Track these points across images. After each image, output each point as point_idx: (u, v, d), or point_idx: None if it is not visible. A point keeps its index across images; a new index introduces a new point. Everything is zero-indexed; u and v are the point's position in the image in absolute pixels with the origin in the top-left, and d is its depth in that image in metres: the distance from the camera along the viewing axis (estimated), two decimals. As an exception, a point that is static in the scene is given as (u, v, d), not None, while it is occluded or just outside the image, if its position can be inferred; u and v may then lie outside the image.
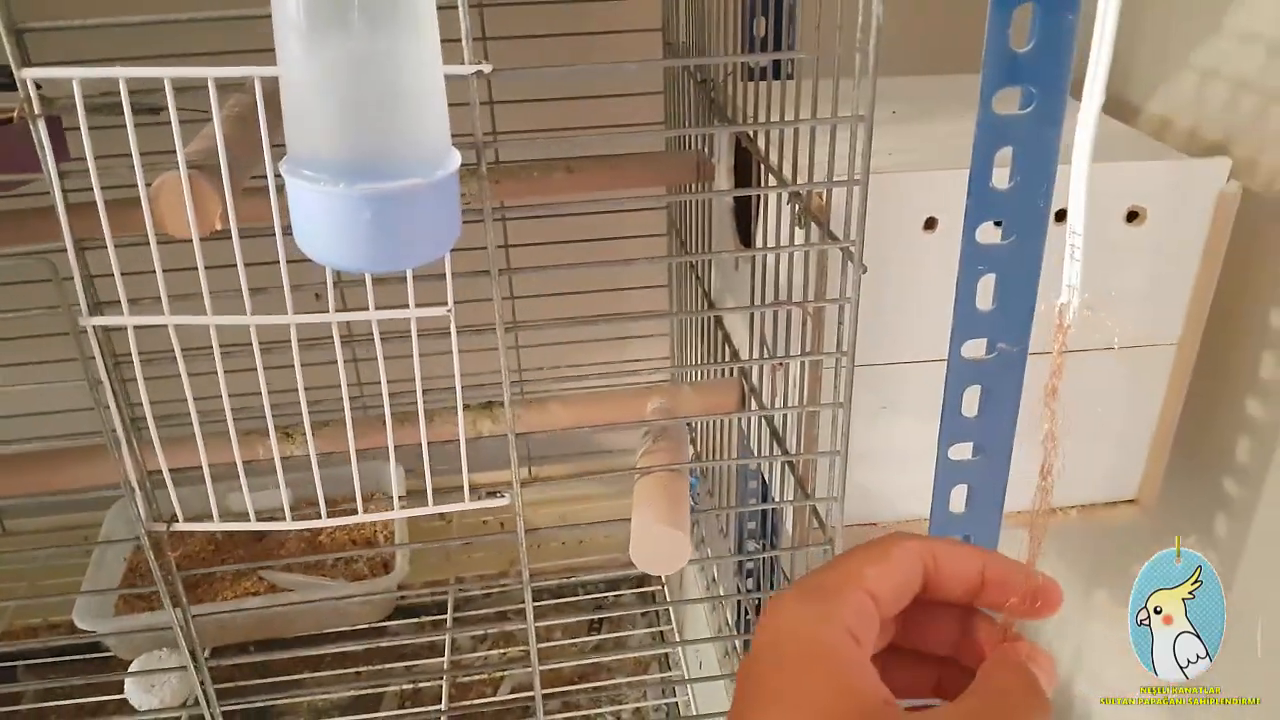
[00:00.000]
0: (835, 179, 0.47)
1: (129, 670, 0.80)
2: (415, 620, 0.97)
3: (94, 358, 0.43)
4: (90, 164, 0.38)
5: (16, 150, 0.77)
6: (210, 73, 0.37)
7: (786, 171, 0.53)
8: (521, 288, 0.95)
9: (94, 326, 0.41)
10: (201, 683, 0.56)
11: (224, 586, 0.96)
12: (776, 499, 0.62)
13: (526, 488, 1.03)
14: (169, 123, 0.38)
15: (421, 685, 0.98)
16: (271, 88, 0.36)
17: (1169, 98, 0.68)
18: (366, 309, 0.42)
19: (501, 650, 1.07)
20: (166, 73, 0.37)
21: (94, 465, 0.55)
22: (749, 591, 0.84)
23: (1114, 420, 0.62)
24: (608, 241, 0.91)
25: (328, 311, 0.42)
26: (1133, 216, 0.55)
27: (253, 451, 0.51)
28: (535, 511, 1.04)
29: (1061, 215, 0.54)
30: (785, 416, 0.59)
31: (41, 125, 0.37)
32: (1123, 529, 0.79)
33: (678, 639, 1.01)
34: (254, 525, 0.47)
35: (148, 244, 0.40)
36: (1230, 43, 0.62)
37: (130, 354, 0.42)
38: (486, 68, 0.38)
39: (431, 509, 0.48)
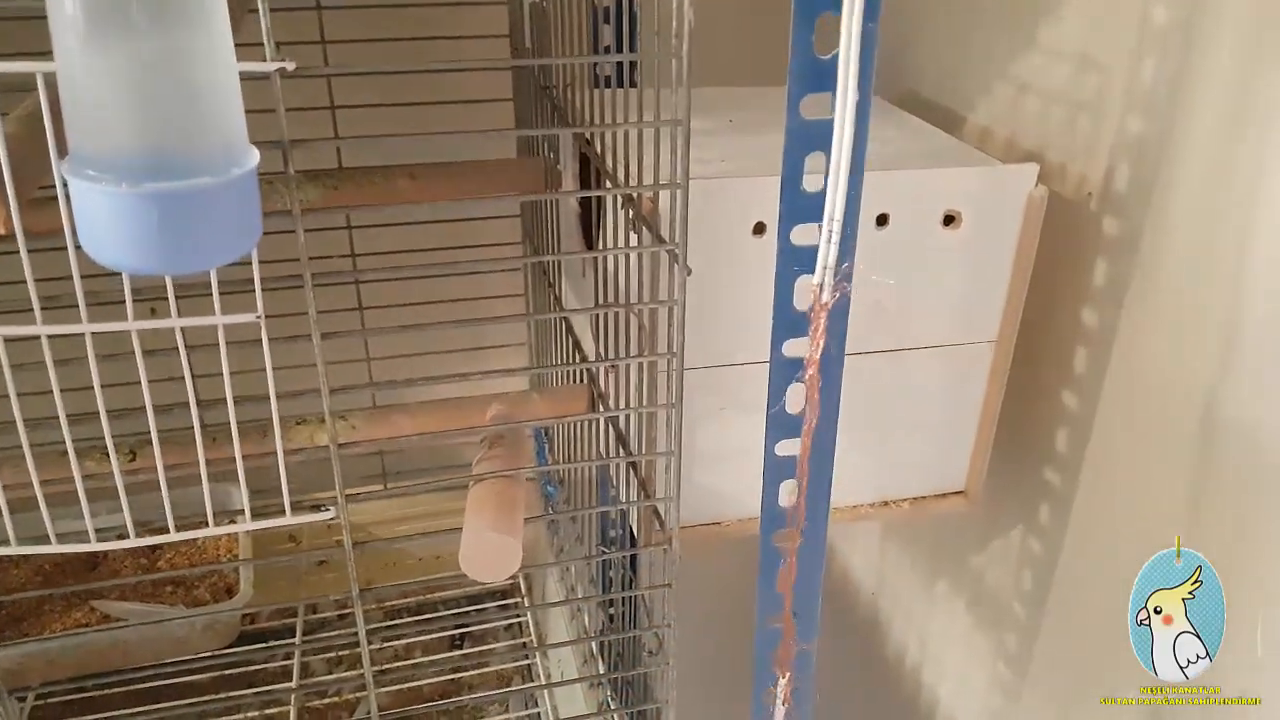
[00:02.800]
0: (659, 183, 0.47)
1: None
2: (264, 646, 0.94)
3: None
4: None
5: None
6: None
7: (624, 178, 0.53)
8: (375, 298, 0.93)
9: None
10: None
11: (53, 619, 0.90)
12: (622, 502, 0.62)
13: (378, 503, 1.01)
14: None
15: (271, 712, 0.94)
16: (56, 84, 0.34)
17: (990, 109, 0.71)
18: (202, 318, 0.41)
19: (359, 671, 1.03)
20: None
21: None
22: (605, 594, 0.84)
23: (938, 416, 0.65)
24: (462, 250, 0.90)
25: (128, 320, 0.40)
26: (950, 220, 0.58)
27: (66, 471, 0.47)
28: (391, 529, 1.01)
29: (883, 220, 0.57)
30: (629, 420, 0.60)
31: None
32: (956, 520, 0.82)
33: (536, 645, 1.00)
34: (56, 548, 0.44)
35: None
36: (1042, 57, 0.66)
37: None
38: (289, 64, 0.37)
39: (250, 525, 0.46)
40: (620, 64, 0.81)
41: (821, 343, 0.37)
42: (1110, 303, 0.61)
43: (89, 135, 0.33)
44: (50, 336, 0.40)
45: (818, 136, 0.40)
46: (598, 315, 0.63)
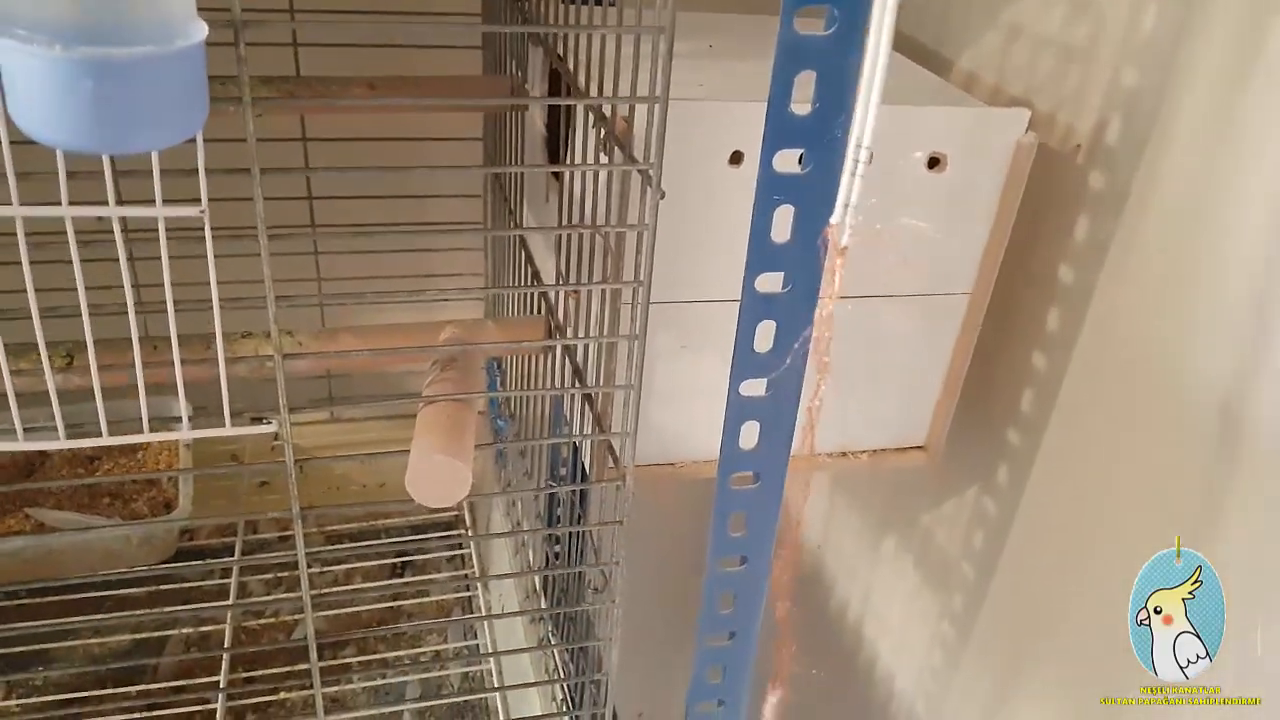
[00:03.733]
0: (636, 96, 0.45)
1: None
2: (201, 563, 0.91)
3: None
4: None
5: None
6: None
7: (598, 93, 0.51)
8: (329, 216, 0.89)
9: None
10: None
11: (-28, 523, 0.87)
12: (576, 434, 0.60)
13: (324, 429, 0.98)
14: None
15: (206, 630, 0.92)
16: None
17: (977, 54, 0.69)
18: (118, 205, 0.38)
19: (297, 594, 1.02)
20: None
21: None
22: (552, 528, 0.82)
23: (904, 368, 0.63)
24: (421, 171, 0.87)
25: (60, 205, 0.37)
26: (934, 163, 0.56)
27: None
28: (338, 458, 0.99)
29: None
30: (586, 351, 0.58)
31: None
32: (911, 479, 0.82)
33: (478, 576, 0.99)
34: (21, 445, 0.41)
35: None
36: (1033, 1, 0.64)
37: None
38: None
39: (188, 434, 0.44)
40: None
41: (837, 289, 0.35)
42: (1089, 262, 0.60)
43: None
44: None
45: (811, 53, 0.38)
46: (560, 241, 0.60)
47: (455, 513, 1.04)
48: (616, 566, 0.55)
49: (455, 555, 1.07)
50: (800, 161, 0.41)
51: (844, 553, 0.95)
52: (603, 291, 0.53)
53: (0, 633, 0.50)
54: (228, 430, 0.44)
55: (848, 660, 0.94)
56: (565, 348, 0.60)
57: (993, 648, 0.74)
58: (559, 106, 0.63)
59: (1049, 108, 0.62)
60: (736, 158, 0.52)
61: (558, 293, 0.62)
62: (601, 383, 0.54)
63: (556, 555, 0.86)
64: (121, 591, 0.94)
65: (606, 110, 0.49)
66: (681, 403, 0.60)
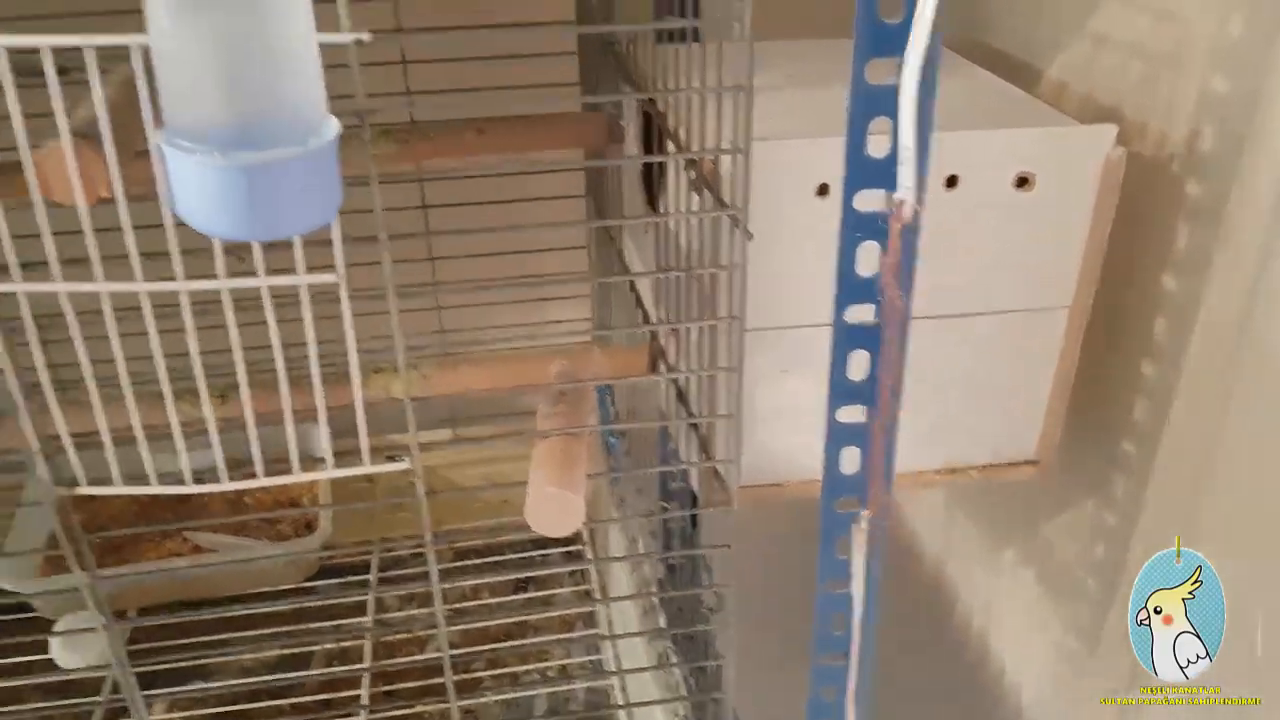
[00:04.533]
0: (721, 147, 0.47)
1: (52, 630, 0.80)
2: (340, 580, 0.98)
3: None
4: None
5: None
6: (89, 40, 0.37)
7: (685, 137, 0.54)
8: (445, 249, 0.95)
9: (-25, 294, 0.41)
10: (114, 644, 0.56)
11: (149, 547, 0.95)
12: (684, 461, 0.63)
13: (448, 449, 1.04)
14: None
15: (347, 645, 0.99)
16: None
17: (1067, 64, 0.69)
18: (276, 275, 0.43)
19: (430, 610, 1.08)
20: (45, 41, 0.37)
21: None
22: (665, 551, 0.85)
23: (1010, 383, 0.64)
24: (526, 204, 0.92)
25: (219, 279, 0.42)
26: (1023, 182, 0.57)
27: (163, 415, 0.50)
28: (461, 472, 1.04)
29: (952, 181, 0.56)
30: (690, 380, 0.61)
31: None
32: (1025, 490, 0.82)
33: (600, 597, 1.03)
34: (156, 489, 0.47)
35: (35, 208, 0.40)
36: (1120, 8, 0.64)
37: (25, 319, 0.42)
38: (366, 36, 0.38)
39: (331, 473, 0.49)
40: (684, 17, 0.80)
41: (897, 259, 0.37)
42: (1192, 269, 0.60)
43: (180, 106, 0.35)
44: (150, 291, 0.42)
45: (884, 101, 0.40)
46: (658, 275, 0.63)
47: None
48: (728, 588, 0.58)
49: (575, 570, 1.11)
50: (882, 199, 0.43)
51: (963, 565, 0.95)
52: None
53: (164, 648, 0.56)
54: (366, 469, 0.49)
55: (972, 671, 0.94)
56: (669, 371, 0.63)
57: (1119, 659, 0.73)
58: (653, 141, 0.67)
59: (1141, 116, 0.61)
60: (823, 190, 0.54)
61: (656, 319, 0.65)
62: (705, 409, 0.57)
63: (671, 569, 0.89)
64: (268, 609, 1.01)
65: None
66: (785, 424, 0.62)
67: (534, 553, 1.08)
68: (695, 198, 0.53)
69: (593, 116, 0.78)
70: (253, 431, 0.47)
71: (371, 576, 0.97)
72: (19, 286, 0.42)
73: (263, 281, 0.43)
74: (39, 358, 0.44)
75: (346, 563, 1.04)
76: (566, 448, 0.49)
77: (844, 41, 0.39)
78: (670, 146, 0.55)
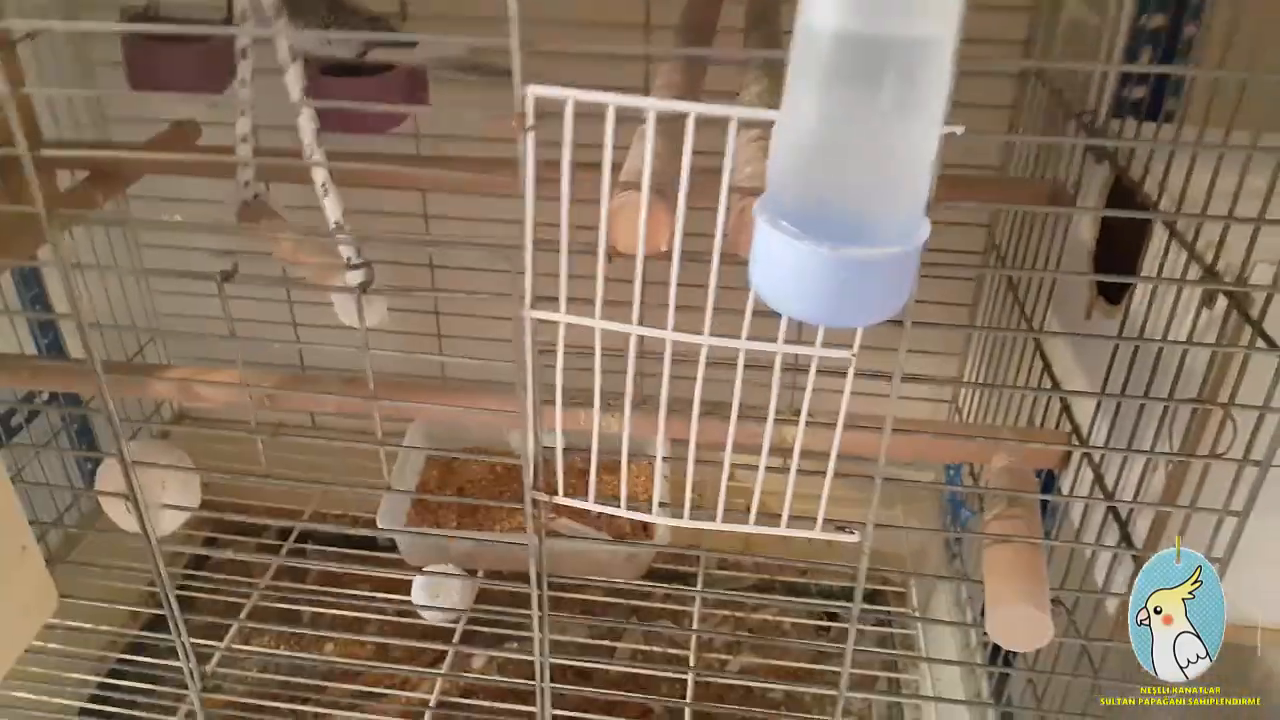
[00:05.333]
0: (1258, 259, 0.44)
1: (422, 571, 0.88)
2: (669, 586, 1.01)
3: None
4: (564, 180, 0.40)
5: (390, 96, 0.83)
6: (692, 108, 0.39)
7: (1192, 236, 0.50)
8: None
9: (531, 318, 0.45)
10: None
11: (503, 516, 1.02)
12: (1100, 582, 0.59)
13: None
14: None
15: (655, 648, 1.02)
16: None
17: None
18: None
19: (745, 632, 1.09)
20: (649, 104, 0.39)
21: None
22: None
23: None
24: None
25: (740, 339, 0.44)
26: None
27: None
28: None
29: None
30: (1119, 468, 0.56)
31: (530, 137, 0.40)
32: None
33: (915, 649, 1.00)
34: (623, 512, 0.50)
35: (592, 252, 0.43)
36: None
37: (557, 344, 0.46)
38: (958, 129, 0.38)
39: (784, 530, 0.50)
40: (1155, 92, 0.75)
41: None
42: None
43: (789, 186, 0.35)
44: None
45: None
46: (1110, 364, 0.60)
47: (893, 587, 1.06)
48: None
49: (882, 618, 1.09)
50: None
51: None
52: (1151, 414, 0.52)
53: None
54: (817, 534, 0.50)
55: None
56: (1086, 455, 0.59)
57: None
58: (1119, 226, 0.63)
59: None
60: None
61: (1095, 423, 0.61)
62: (1129, 489, 0.53)
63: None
64: (602, 599, 1.07)
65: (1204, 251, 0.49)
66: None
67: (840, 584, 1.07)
68: (1203, 310, 0.50)
69: (1038, 184, 0.75)
70: (724, 480, 0.49)
71: (698, 586, 1.00)
72: (560, 317, 0.45)
73: (779, 348, 0.44)
74: (559, 379, 0.47)
75: (673, 569, 1.08)
76: (1030, 559, 0.47)
77: None
78: (1164, 237, 0.52)
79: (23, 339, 1.02)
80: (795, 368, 0.47)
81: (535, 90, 0.39)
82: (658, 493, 0.49)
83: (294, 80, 0.57)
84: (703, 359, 0.45)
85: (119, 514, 0.60)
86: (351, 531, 1.13)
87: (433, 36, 0.74)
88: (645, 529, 1.02)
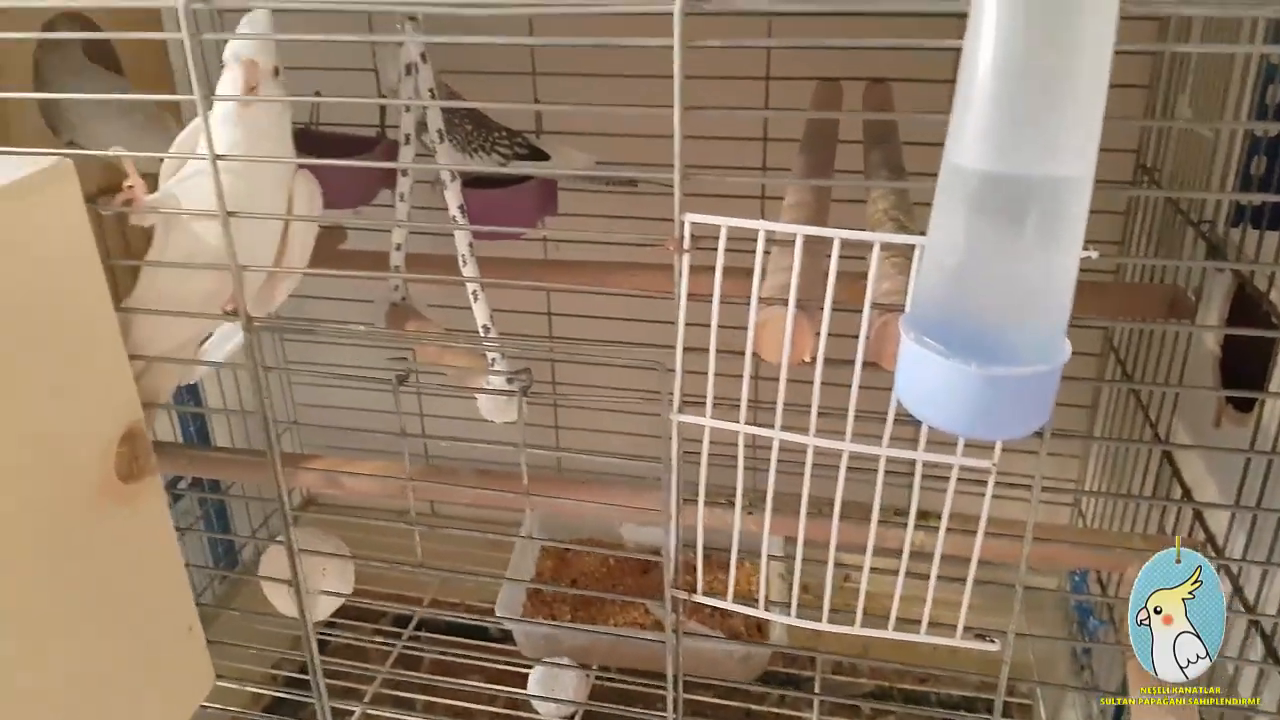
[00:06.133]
0: None
1: (540, 662, 0.90)
2: (783, 693, 1.00)
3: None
4: (715, 300, 0.43)
5: (517, 207, 0.88)
6: (876, 238, 0.41)
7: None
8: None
9: (678, 421, 0.48)
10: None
11: (615, 610, 1.04)
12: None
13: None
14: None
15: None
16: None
17: None
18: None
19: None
20: (797, 229, 0.42)
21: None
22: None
23: None
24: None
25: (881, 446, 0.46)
26: None
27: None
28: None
29: None
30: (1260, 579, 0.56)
31: (685, 259, 0.43)
32: None
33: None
34: (758, 612, 0.51)
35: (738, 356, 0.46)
36: None
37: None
38: (1093, 254, 0.39)
39: (924, 637, 0.50)
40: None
41: None
42: None
43: (939, 307, 0.38)
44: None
45: None
46: (1241, 482, 0.59)
47: (1016, 693, 1.03)
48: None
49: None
50: None
51: None
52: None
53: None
54: (956, 642, 0.50)
55: None
56: (1224, 566, 0.58)
57: None
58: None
59: None
60: None
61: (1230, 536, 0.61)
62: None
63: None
64: (714, 700, 1.06)
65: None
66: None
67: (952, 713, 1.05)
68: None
69: (1158, 288, 0.75)
70: (864, 582, 0.50)
71: (815, 689, 0.99)
72: (706, 421, 0.48)
73: (919, 455, 0.46)
74: (703, 479, 0.50)
75: (788, 673, 1.07)
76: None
77: None
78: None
79: (172, 426, 1.09)
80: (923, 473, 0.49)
81: (692, 218, 0.43)
82: (795, 593, 0.50)
83: (452, 197, 0.62)
84: (843, 465, 0.46)
85: (279, 597, 0.64)
86: (469, 620, 1.16)
87: (583, 154, 0.79)
88: (760, 629, 1.02)
